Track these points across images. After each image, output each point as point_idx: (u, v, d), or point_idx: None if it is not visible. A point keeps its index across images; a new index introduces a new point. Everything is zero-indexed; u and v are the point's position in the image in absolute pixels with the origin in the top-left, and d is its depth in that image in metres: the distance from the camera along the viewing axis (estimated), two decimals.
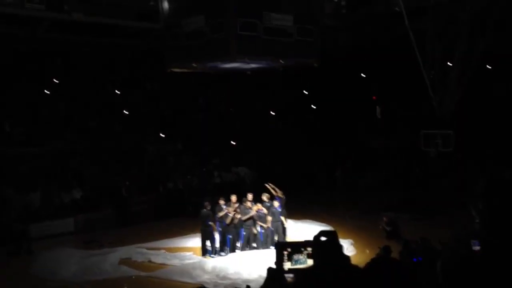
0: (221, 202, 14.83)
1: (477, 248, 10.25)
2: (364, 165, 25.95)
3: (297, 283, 1.76)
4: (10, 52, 21.64)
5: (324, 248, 2.42)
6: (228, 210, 14.66)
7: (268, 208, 14.93)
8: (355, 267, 1.84)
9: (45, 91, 24.22)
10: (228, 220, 14.58)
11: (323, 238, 2.50)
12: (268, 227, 14.83)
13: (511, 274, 2.61)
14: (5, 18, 16.89)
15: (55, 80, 24.46)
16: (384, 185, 23.34)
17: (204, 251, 14.68)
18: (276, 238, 14.85)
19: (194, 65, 16.93)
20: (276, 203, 14.97)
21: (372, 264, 2.32)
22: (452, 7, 18.34)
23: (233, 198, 14.95)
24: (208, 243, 14.71)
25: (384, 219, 16.47)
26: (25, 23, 18.04)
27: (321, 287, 1.61)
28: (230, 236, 14.73)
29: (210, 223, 14.62)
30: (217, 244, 14.79)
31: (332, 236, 2.48)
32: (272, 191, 15.37)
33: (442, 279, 2.57)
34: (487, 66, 23.56)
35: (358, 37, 22.67)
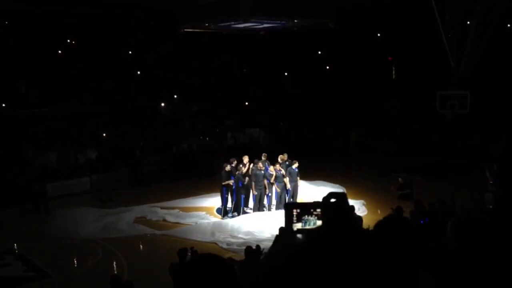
0: (234, 162, 14.92)
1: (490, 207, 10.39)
2: (379, 128, 25.77)
3: (304, 243, 1.78)
4: (25, 14, 21.58)
5: (332, 209, 2.42)
6: (244, 170, 14.77)
7: (285, 168, 15.04)
8: (364, 229, 1.84)
9: (59, 52, 24.24)
10: (246, 181, 14.72)
11: (332, 200, 2.49)
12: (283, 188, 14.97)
13: None
14: None
15: (69, 41, 24.43)
16: (398, 147, 23.22)
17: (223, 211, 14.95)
18: (292, 199, 15.03)
19: (207, 25, 16.68)
20: (295, 164, 15.02)
21: (382, 222, 2.33)
22: None
23: (245, 159, 15.05)
24: (228, 203, 14.94)
25: (400, 180, 16.46)
26: None
27: (327, 248, 1.62)
28: (244, 196, 14.91)
29: (225, 183, 14.73)
30: (229, 205, 15.01)
31: (341, 198, 2.47)
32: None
33: (452, 239, 2.57)
34: (508, 25, 22.91)
35: None
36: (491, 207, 10.43)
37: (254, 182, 14.62)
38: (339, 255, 1.66)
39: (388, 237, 2.16)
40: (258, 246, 9.40)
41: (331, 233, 1.83)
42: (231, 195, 14.87)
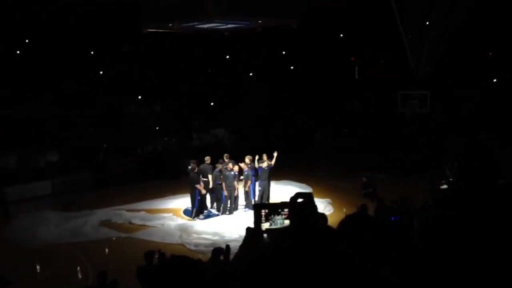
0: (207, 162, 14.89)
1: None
2: (343, 127, 26.12)
3: (271, 243, 1.81)
4: None
5: (299, 209, 2.45)
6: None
7: (253, 169, 15.15)
8: (330, 227, 1.88)
9: (18, 52, 23.56)
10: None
11: (299, 200, 2.53)
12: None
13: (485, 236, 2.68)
14: None
15: (27, 41, 23.77)
16: (362, 146, 23.58)
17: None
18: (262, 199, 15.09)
19: (170, 25, 16.54)
20: (264, 164, 15.06)
21: (347, 220, 2.37)
22: None
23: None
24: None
25: (364, 179, 16.74)
26: None
27: (294, 247, 1.65)
28: (214, 195, 14.90)
29: (197, 185, 14.61)
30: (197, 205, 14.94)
31: (308, 198, 2.50)
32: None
33: (418, 237, 2.64)
34: (466, 26, 23.58)
35: None
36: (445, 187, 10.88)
37: (225, 182, 14.60)
38: (306, 254, 1.69)
39: (353, 234, 2.21)
40: (227, 246, 9.37)
41: (298, 233, 1.86)
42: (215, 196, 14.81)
